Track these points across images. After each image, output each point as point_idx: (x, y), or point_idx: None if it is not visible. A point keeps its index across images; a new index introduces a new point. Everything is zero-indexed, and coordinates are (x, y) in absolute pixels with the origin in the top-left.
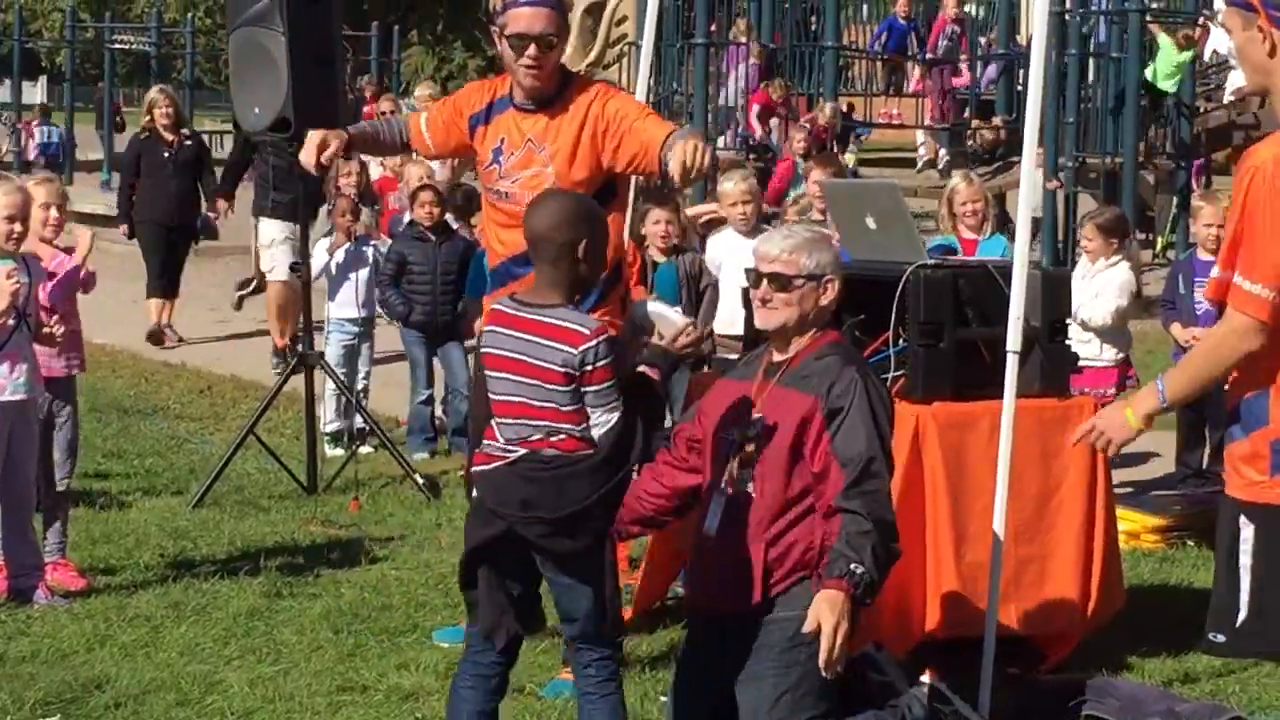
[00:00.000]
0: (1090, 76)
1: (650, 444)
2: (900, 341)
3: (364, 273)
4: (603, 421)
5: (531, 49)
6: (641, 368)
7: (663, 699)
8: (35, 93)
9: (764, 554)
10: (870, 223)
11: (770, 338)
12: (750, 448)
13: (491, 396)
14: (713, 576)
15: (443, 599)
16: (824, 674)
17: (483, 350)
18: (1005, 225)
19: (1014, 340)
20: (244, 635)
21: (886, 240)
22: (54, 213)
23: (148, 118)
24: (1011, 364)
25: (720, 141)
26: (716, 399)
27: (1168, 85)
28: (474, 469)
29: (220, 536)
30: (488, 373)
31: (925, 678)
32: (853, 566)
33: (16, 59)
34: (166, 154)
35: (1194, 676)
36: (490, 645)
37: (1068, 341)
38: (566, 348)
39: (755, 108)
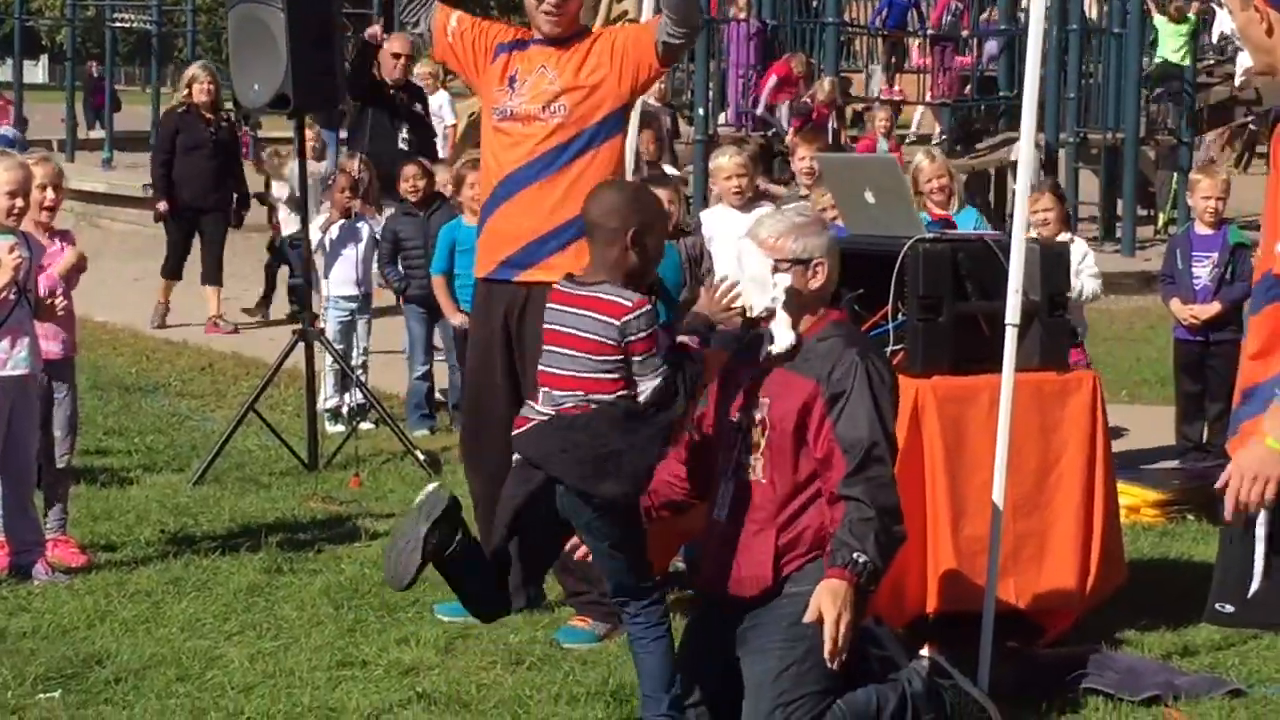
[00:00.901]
0: (1092, 52)
1: (689, 407)
2: (899, 316)
3: (359, 249)
4: (647, 388)
5: None
6: (681, 337)
7: None
8: (37, 72)
9: (775, 540)
10: (869, 197)
11: (765, 322)
12: (756, 433)
13: (542, 368)
14: (725, 563)
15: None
16: (829, 664)
17: (544, 326)
18: (975, 200)
19: (1013, 314)
20: (244, 611)
21: (885, 215)
22: (50, 193)
23: (185, 92)
24: (1010, 337)
25: (720, 118)
26: (725, 381)
27: (1182, 59)
28: (513, 434)
29: (221, 513)
30: (545, 347)
31: (925, 652)
32: (855, 555)
33: (17, 38)
34: (209, 132)
35: (1193, 650)
36: None
37: (1067, 315)
38: (608, 318)
39: (772, 79)
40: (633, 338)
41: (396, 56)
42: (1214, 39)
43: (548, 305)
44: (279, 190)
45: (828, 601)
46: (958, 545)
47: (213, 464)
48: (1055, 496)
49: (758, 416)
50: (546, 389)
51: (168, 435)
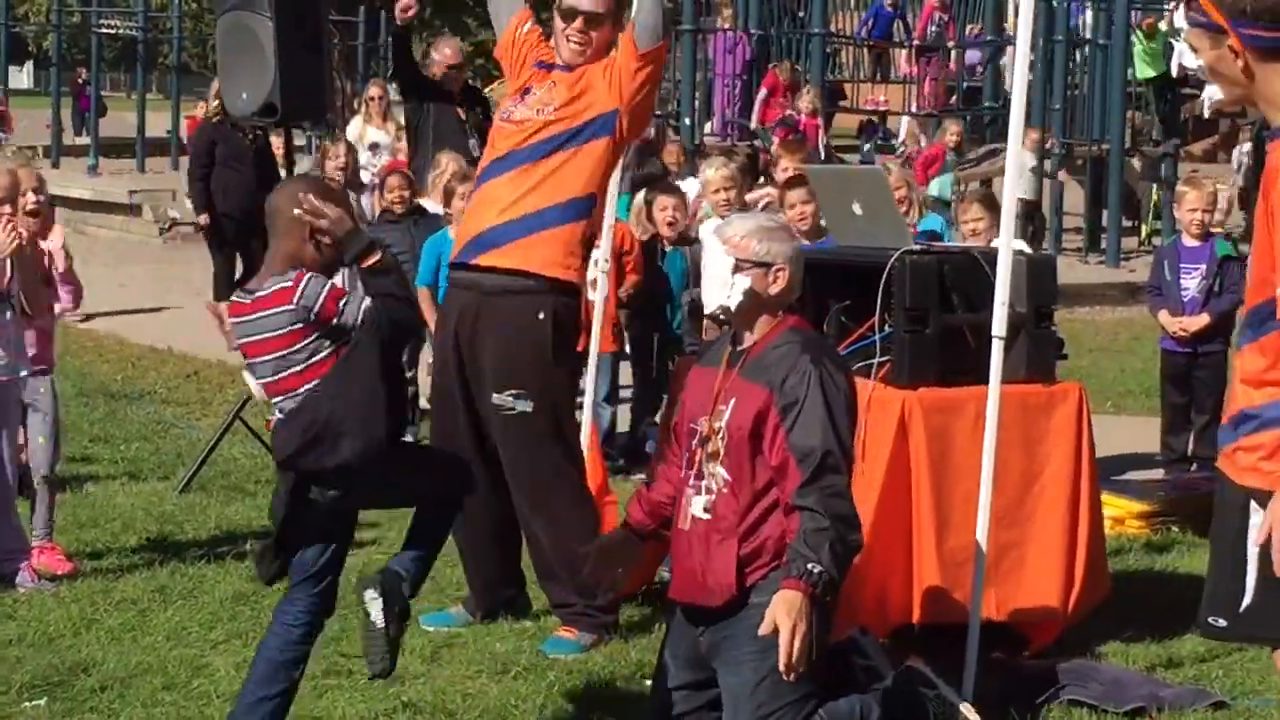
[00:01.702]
0: (1077, 63)
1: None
2: (886, 327)
3: None
4: (351, 312)
5: (578, 22)
6: None
7: (648, 682)
8: (22, 77)
9: (737, 549)
10: (856, 208)
11: (729, 323)
12: (715, 441)
13: (262, 382)
14: (690, 572)
15: (428, 583)
16: (785, 677)
17: (239, 342)
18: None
19: (999, 326)
20: (230, 619)
21: (872, 226)
22: (33, 197)
23: (218, 103)
24: (997, 349)
25: (707, 128)
26: (688, 387)
27: (1152, 71)
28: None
29: (207, 521)
30: (249, 362)
31: (909, 662)
32: (810, 566)
33: (3, 43)
34: (247, 142)
35: (1177, 661)
36: None
37: (1053, 327)
38: (282, 307)
39: (763, 91)
40: (317, 305)
41: (450, 67)
42: (1173, 70)
43: (234, 322)
44: None
45: (782, 613)
46: (942, 556)
47: (198, 472)
48: (1039, 508)
49: (717, 425)
50: (274, 400)
51: (153, 443)
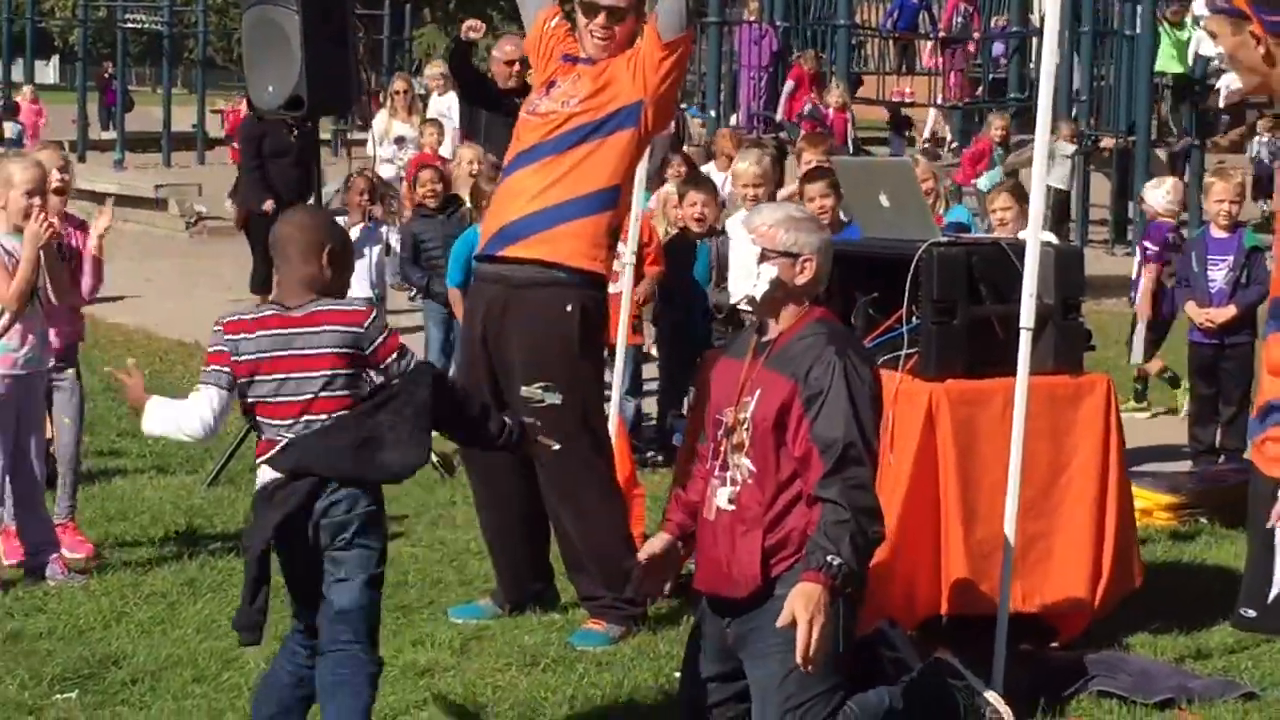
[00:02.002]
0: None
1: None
2: (913, 319)
3: (375, 251)
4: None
5: (600, 17)
6: None
7: (676, 674)
8: (48, 72)
9: (762, 540)
10: (883, 200)
11: (755, 314)
12: (740, 432)
13: (275, 401)
14: (716, 563)
15: (457, 576)
16: (803, 669)
17: (262, 356)
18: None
19: (1027, 317)
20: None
21: (899, 218)
22: (58, 177)
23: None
24: (1025, 341)
25: (732, 120)
26: (714, 378)
27: (1176, 67)
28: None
29: (235, 514)
30: (266, 378)
31: (938, 654)
32: (829, 558)
33: (29, 38)
34: (292, 138)
35: (1206, 653)
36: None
37: (1081, 319)
38: (348, 326)
39: (789, 84)
40: (375, 343)
41: (510, 64)
42: (1190, 60)
43: (262, 334)
44: None
45: (800, 605)
46: (970, 548)
47: (227, 465)
48: (1066, 499)
49: (742, 416)
50: (285, 421)
51: None
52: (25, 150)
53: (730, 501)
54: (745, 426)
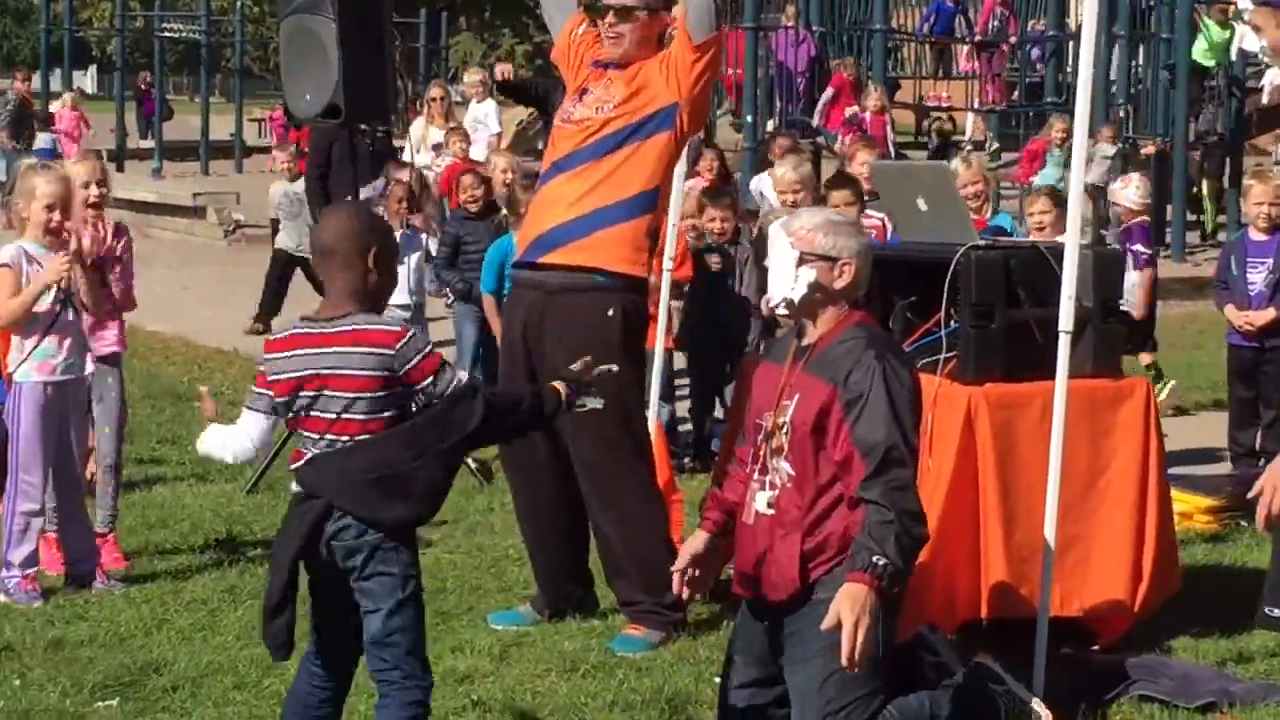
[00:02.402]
0: (1140, 58)
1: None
2: (952, 323)
3: (414, 259)
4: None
5: (610, 16)
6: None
7: (716, 679)
8: (85, 81)
9: (800, 544)
10: (921, 204)
11: (792, 317)
12: (780, 436)
13: (309, 415)
14: (755, 567)
15: (496, 582)
16: (848, 669)
17: (295, 375)
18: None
19: (1066, 320)
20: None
21: (937, 222)
22: (94, 190)
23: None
24: (1064, 344)
25: (769, 125)
26: (755, 383)
27: (1208, 60)
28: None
29: (275, 520)
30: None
31: (979, 658)
32: (875, 559)
33: (67, 48)
34: (367, 144)
35: (1248, 656)
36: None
37: (1120, 321)
38: (379, 348)
39: (829, 91)
40: (409, 365)
41: None
42: (1233, 56)
43: (294, 353)
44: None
45: (846, 607)
46: (1009, 551)
47: (266, 472)
48: (1105, 502)
49: (781, 420)
50: (314, 435)
51: None
52: (61, 161)
53: (769, 505)
54: (784, 430)
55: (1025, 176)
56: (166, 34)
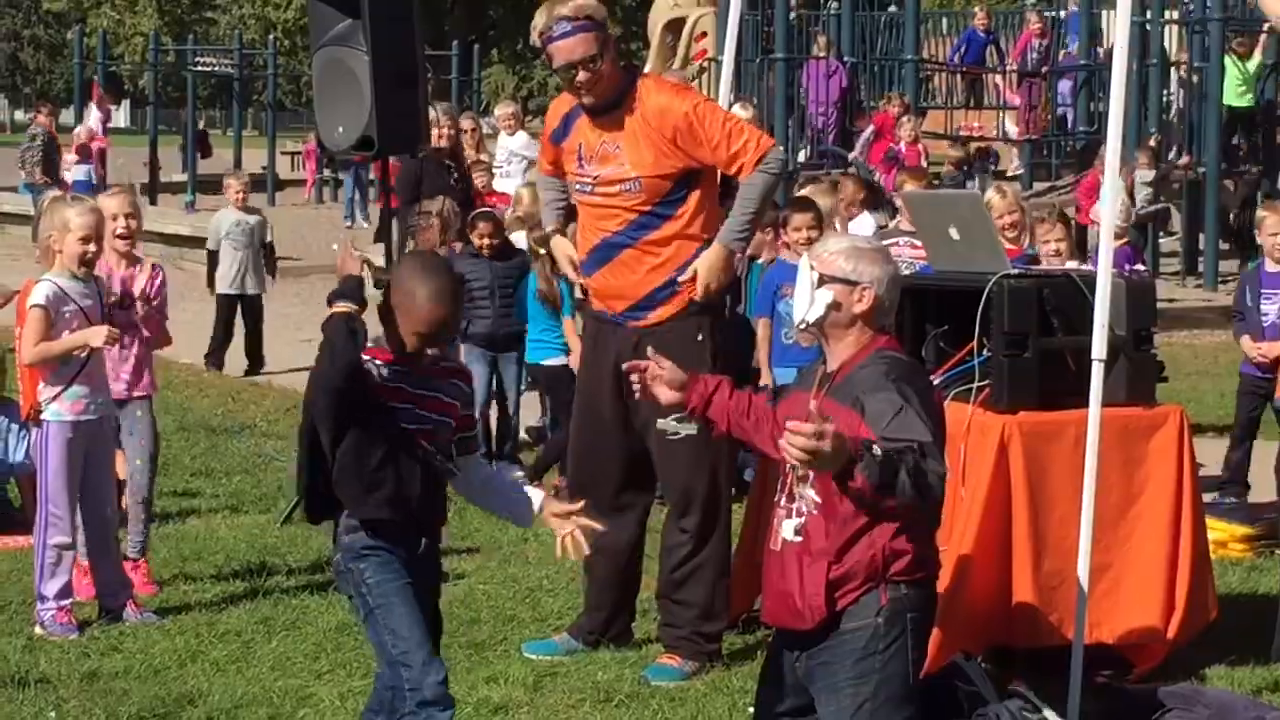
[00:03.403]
0: (1171, 87)
1: None
2: (985, 351)
3: None
4: None
5: (579, 74)
6: None
7: (749, 710)
8: (119, 116)
9: (826, 572)
10: (953, 233)
11: (810, 334)
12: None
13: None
14: (782, 595)
15: (530, 612)
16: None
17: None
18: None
19: (1099, 348)
20: (334, 650)
21: (970, 250)
22: (124, 222)
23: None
24: (1097, 372)
25: (800, 156)
26: (786, 401)
27: (1242, 101)
28: None
29: (309, 552)
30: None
31: (1013, 687)
32: (876, 449)
33: (100, 83)
34: (451, 180)
35: None
36: None
37: (1153, 350)
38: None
39: (869, 129)
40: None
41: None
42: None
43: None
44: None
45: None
46: (1041, 579)
47: (300, 504)
48: (1137, 531)
49: None
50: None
51: (254, 476)
52: (93, 194)
53: (796, 533)
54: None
55: (1085, 212)
56: (199, 68)
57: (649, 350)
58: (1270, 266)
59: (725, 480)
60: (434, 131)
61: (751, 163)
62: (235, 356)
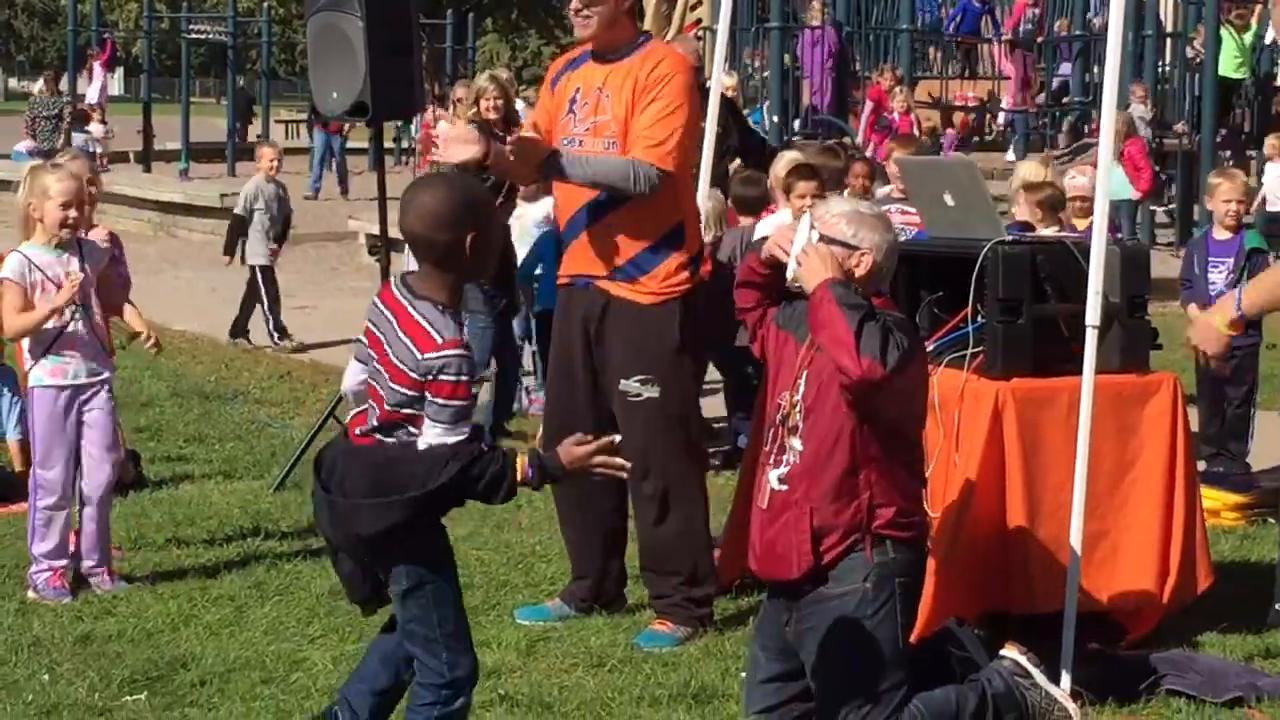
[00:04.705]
0: (1166, 58)
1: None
2: (979, 318)
3: None
4: (431, 437)
5: (574, 2)
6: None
7: (742, 674)
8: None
9: (810, 518)
10: (948, 199)
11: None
12: (795, 415)
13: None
14: (767, 543)
15: (524, 578)
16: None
17: (368, 325)
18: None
19: (1093, 315)
20: (327, 614)
21: (965, 217)
22: (85, 187)
23: (474, 109)
24: (1091, 339)
25: (795, 124)
26: (778, 357)
27: (1238, 74)
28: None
29: (302, 518)
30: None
31: (1005, 652)
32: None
33: (93, 49)
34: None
35: (1276, 651)
36: None
37: (1147, 317)
38: (416, 351)
39: (868, 104)
40: (435, 379)
41: None
42: (1266, 39)
43: (374, 301)
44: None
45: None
46: (1035, 546)
47: (293, 470)
48: (1131, 498)
49: (796, 398)
50: (373, 404)
51: (247, 442)
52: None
53: (781, 482)
54: (798, 409)
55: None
56: (193, 35)
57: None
58: (1219, 234)
59: (687, 445)
60: (482, 103)
61: (642, 156)
62: (228, 320)
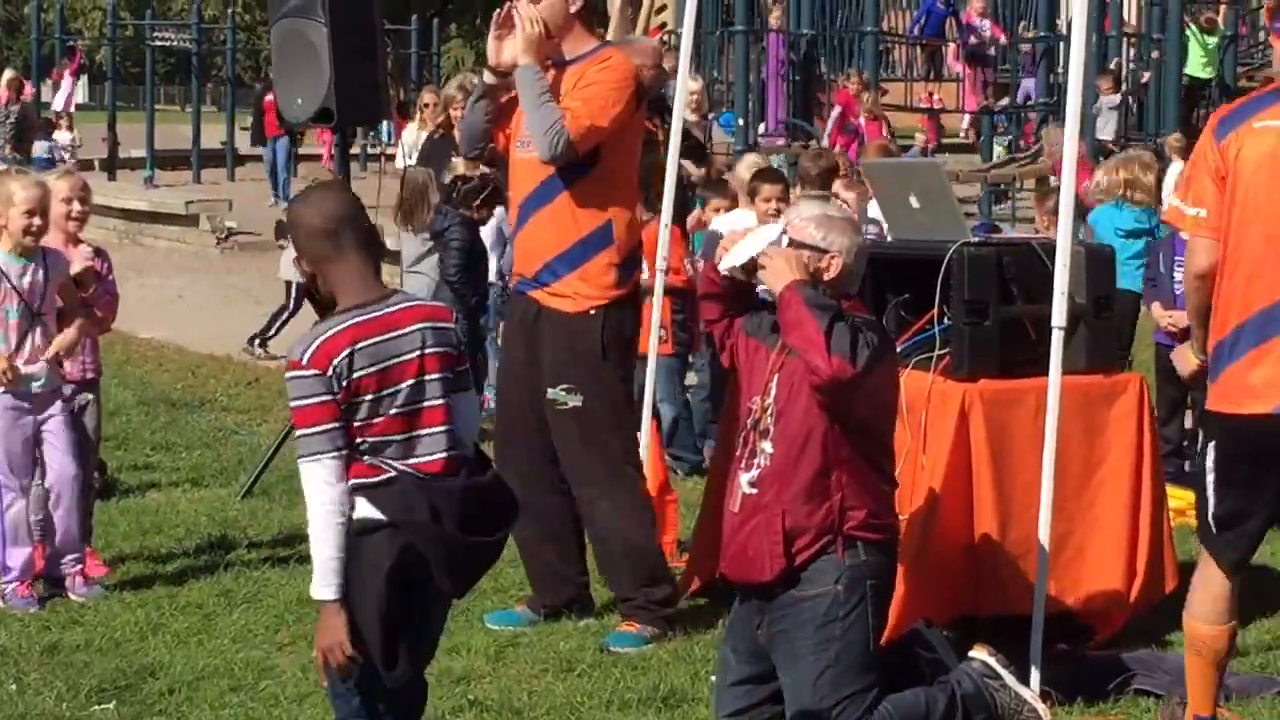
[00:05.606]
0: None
1: None
2: (945, 320)
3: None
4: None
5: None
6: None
7: (712, 678)
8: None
9: (782, 520)
10: (913, 201)
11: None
12: (766, 418)
13: None
14: (739, 545)
15: (492, 584)
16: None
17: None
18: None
19: (1059, 316)
20: (295, 622)
21: (930, 219)
22: (76, 206)
23: (442, 116)
24: (1057, 340)
25: (761, 128)
26: (748, 363)
27: (1204, 73)
28: None
29: (270, 525)
30: None
31: (974, 653)
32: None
33: (58, 57)
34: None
35: (1243, 650)
36: None
37: (1113, 318)
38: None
39: (836, 109)
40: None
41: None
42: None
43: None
44: None
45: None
46: (1003, 547)
47: (260, 477)
48: (1099, 498)
49: (767, 402)
50: (436, 428)
51: (215, 450)
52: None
53: (752, 485)
54: (769, 413)
55: (1082, 184)
56: (157, 43)
57: None
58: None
59: (619, 453)
60: (452, 111)
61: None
62: (195, 328)
